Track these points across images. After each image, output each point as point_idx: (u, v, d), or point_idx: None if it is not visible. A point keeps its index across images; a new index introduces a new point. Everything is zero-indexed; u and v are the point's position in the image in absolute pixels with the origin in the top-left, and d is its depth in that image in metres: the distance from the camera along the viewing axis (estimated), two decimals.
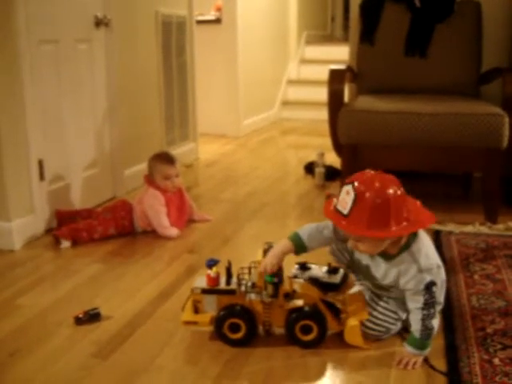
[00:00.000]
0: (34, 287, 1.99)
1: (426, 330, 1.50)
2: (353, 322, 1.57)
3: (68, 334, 1.67)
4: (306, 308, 1.56)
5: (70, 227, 2.39)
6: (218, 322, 1.58)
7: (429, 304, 1.49)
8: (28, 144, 2.38)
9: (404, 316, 1.61)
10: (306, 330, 1.56)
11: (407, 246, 1.51)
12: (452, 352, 1.52)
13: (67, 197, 2.68)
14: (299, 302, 1.56)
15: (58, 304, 1.86)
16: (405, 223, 1.45)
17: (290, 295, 1.57)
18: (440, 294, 1.52)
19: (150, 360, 1.53)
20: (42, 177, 2.47)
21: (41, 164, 2.46)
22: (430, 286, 1.48)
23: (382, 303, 1.63)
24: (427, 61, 3.04)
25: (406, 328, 1.62)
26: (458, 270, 2.05)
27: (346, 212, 1.44)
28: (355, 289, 1.77)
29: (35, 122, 2.41)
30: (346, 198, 1.45)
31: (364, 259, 1.62)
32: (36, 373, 1.49)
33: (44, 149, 2.49)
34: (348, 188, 1.45)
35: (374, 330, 1.60)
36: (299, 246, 1.61)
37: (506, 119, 2.42)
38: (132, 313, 1.79)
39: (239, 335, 1.58)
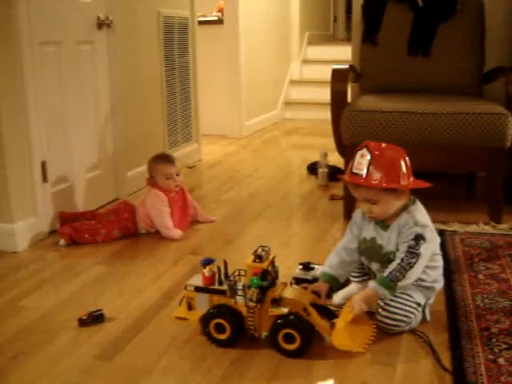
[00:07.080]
0: (38, 289, 1.99)
1: (397, 272, 1.58)
2: (338, 325, 1.53)
3: (71, 335, 1.67)
4: (291, 317, 1.52)
5: (73, 226, 2.40)
6: (204, 321, 1.59)
7: (411, 252, 1.59)
8: (31, 146, 2.39)
9: (423, 301, 1.65)
10: (289, 338, 1.52)
11: (405, 208, 1.66)
12: (457, 352, 1.51)
13: (70, 198, 2.68)
14: (284, 310, 1.53)
15: (61, 306, 1.86)
16: (411, 179, 1.65)
17: (278, 301, 1.54)
18: (425, 250, 1.60)
19: (154, 362, 1.53)
20: (45, 178, 2.47)
21: (44, 166, 2.46)
22: (418, 238, 1.60)
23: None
24: (430, 60, 3.03)
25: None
26: (463, 269, 2.04)
27: (363, 172, 1.61)
28: (351, 287, 1.80)
29: (38, 123, 2.42)
30: (361, 160, 1.62)
31: (369, 234, 1.71)
32: (39, 375, 1.48)
33: (47, 151, 2.49)
34: (362, 152, 1.62)
35: (394, 319, 1.60)
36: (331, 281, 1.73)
37: (510, 118, 2.41)
38: (136, 314, 1.79)
39: (224, 336, 1.57)
